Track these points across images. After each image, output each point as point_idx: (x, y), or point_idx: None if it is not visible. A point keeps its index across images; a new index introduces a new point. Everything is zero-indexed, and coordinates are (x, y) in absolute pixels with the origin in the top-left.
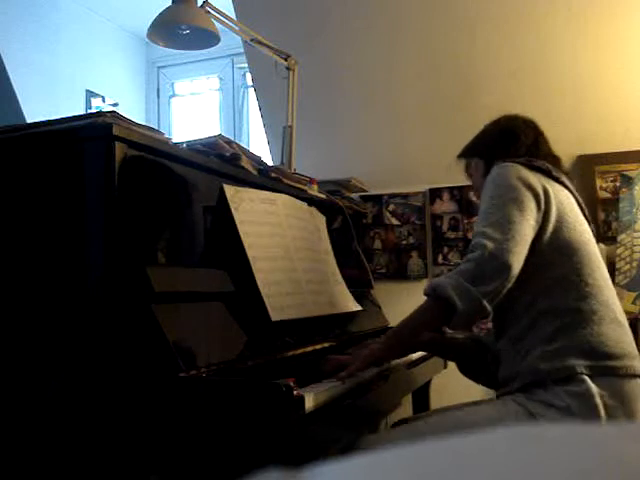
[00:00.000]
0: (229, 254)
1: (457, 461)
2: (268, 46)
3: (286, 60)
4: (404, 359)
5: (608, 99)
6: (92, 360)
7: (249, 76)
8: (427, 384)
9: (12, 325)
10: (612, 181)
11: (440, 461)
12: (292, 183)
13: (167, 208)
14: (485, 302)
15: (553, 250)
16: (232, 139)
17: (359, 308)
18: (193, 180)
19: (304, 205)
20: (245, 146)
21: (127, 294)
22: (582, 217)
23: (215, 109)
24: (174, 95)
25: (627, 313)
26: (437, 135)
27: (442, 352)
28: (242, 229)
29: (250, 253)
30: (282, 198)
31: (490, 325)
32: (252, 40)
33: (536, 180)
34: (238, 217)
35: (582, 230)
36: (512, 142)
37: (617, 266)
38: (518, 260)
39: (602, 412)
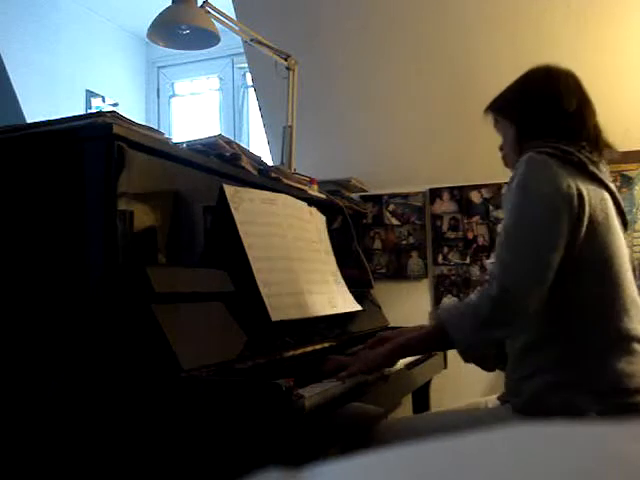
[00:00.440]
0: (229, 254)
1: (457, 461)
2: (268, 46)
3: (286, 60)
4: (404, 359)
5: (608, 99)
6: (92, 360)
7: (249, 76)
8: (427, 384)
9: (12, 325)
10: (612, 181)
11: (440, 461)
12: (292, 183)
13: (167, 208)
14: (490, 344)
15: (576, 267)
16: (232, 139)
17: (359, 308)
18: (193, 180)
19: (304, 205)
20: (245, 146)
21: (127, 294)
22: (616, 222)
23: (215, 109)
24: (174, 95)
25: None
26: (437, 135)
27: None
28: (242, 229)
29: (250, 253)
30: (282, 198)
31: None
32: (252, 40)
33: (571, 183)
34: (238, 217)
35: (611, 242)
36: (551, 113)
37: None
38: (539, 298)
39: None
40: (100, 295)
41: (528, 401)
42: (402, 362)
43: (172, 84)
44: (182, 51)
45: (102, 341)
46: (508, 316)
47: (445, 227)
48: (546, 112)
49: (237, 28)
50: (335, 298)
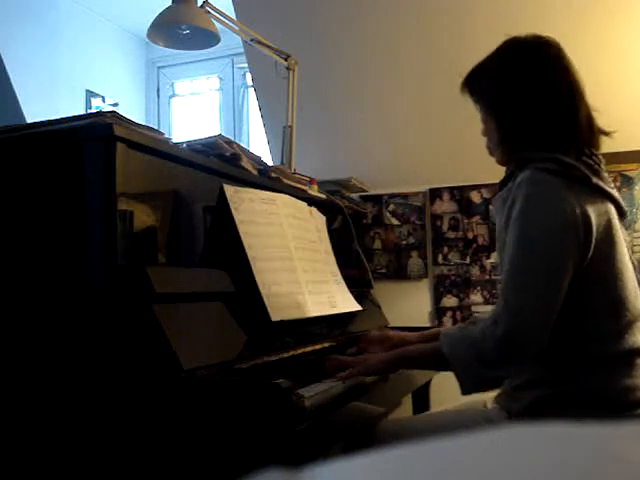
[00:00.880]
0: (229, 254)
1: (457, 461)
2: (268, 46)
3: (286, 60)
4: None
5: (608, 99)
6: (93, 360)
7: (249, 76)
8: (427, 384)
9: (12, 325)
10: (612, 181)
11: (440, 461)
12: (292, 183)
13: (167, 208)
14: (492, 380)
15: (580, 287)
16: (232, 139)
17: (359, 308)
18: (193, 180)
19: (304, 205)
20: (245, 146)
21: (127, 294)
22: (620, 234)
23: (215, 109)
24: (174, 95)
25: None
26: (437, 135)
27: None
28: (242, 229)
29: (250, 253)
30: (282, 198)
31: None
32: (252, 40)
33: (576, 207)
34: (238, 217)
35: (615, 260)
36: (539, 109)
37: None
38: (544, 337)
39: None
40: (100, 295)
41: (523, 411)
42: None
43: (172, 84)
44: (182, 51)
45: (103, 341)
46: (512, 358)
47: (445, 227)
48: (533, 107)
49: (237, 28)
50: (335, 298)
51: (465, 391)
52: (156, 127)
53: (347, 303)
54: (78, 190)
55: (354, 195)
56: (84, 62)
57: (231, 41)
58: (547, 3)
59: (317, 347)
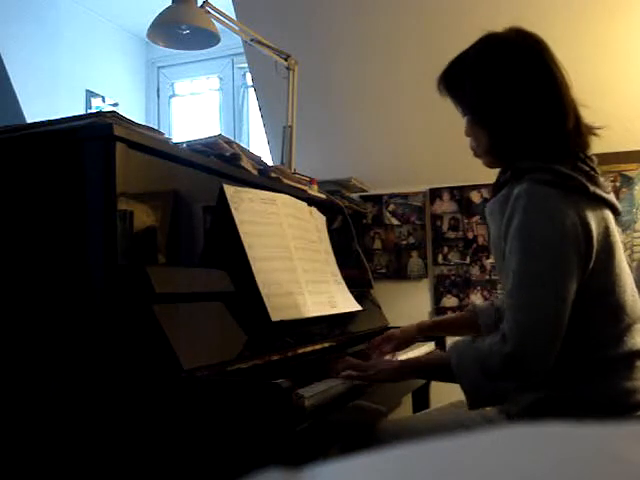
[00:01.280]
0: (229, 254)
1: (457, 461)
2: (268, 46)
3: (286, 60)
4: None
5: (608, 99)
6: (93, 360)
7: (249, 76)
8: (427, 384)
9: (13, 325)
10: (612, 181)
11: (440, 461)
12: (292, 183)
13: (167, 208)
14: (499, 395)
15: (581, 296)
16: (232, 139)
17: (359, 308)
18: (193, 180)
19: (304, 205)
20: (245, 146)
21: (127, 294)
22: (617, 238)
23: (215, 109)
24: (174, 95)
25: None
26: (437, 135)
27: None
28: (242, 229)
29: (250, 253)
30: (282, 198)
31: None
32: (252, 40)
33: (576, 219)
34: (238, 217)
35: (614, 266)
36: (527, 111)
37: None
38: (552, 356)
39: None
40: (100, 295)
41: (523, 413)
42: None
43: (172, 84)
44: (182, 51)
45: (103, 341)
46: (518, 375)
47: (445, 227)
48: (521, 113)
49: (237, 28)
50: (335, 298)
51: (472, 405)
52: (156, 127)
53: (347, 303)
54: (78, 190)
55: (354, 195)
56: (84, 62)
57: (231, 41)
58: (547, 3)
59: (317, 347)
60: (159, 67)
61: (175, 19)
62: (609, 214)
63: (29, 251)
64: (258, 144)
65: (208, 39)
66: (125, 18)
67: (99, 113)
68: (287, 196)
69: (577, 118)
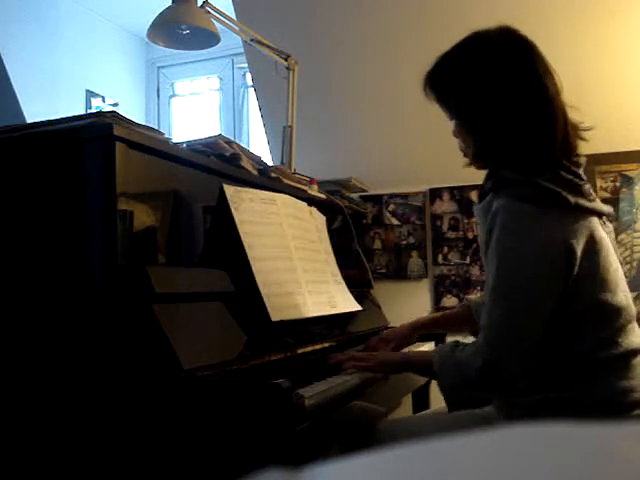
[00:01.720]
0: (229, 254)
1: (457, 461)
2: (268, 46)
3: (286, 60)
4: None
5: (608, 99)
6: (93, 360)
7: (249, 76)
8: (427, 384)
9: (12, 325)
10: (612, 181)
11: (440, 461)
12: (292, 183)
13: (167, 208)
14: (477, 400)
15: (570, 299)
16: (232, 139)
17: (359, 308)
18: (193, 180)
19: (304, 205)
20: (245, 146)
21: (127, 294)
22: (607, 242)
23: (215, 109)
24: (174, 95)
25: None
26: (437, 135)
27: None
28: (242, 229)
29: (250, 253)
30: (282, 198)
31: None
32: (252, 40)
33: (556, 235)
34: (238, 217)
35: (603, 269)
36: (515, 117)
37: None
38: (522, 367)
39: None
40: (100, 295)
41: (522, 414)
42: None
43: (172, 84)
44: (182, 51)
45: (103, 341)
46: (492, 386)
47: (445, 227)
48: (508, 120)
49: (237, 28)
50: (335, 298)
51: (451, 408)
52: (156, 127)
53: (347, 303)
54: (78, 190)
55: (354, 195)
56: (84, 62)
57: (231, 41)
58: (547, 3)
59: (317, 347)
60: (159, 67)
61: (175, 19)
62: (594, 220)
63: (29, 251)
64: (258, 144)
65: (208, 39)
66: (125, 18)
67: (99, 113)
68: (287, 196)
69: (566, 125)
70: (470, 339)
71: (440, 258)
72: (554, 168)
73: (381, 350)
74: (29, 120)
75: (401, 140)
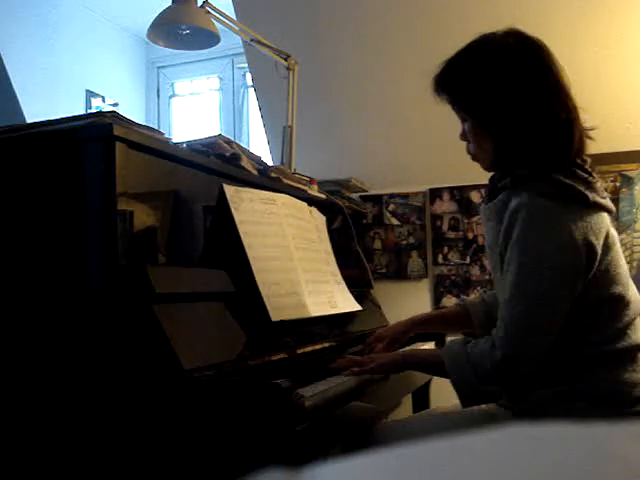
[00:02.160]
0: (229, 254)
1: (457, 461)
2: (268, 46)
3: (286, 60)
4: None
5: (608, 99)
6: (93, 361)
7: (249, 76)
8: (427, 384)
9: (12, 325)
10: (612, 181)
11: (440, 461)
12: (292, 183)
13: (167, 208)
14: (490, 394)
15: (581, 296)
16: (232, 139)
17: (359, 308)
18: (193, 180)
19: (304, 205)
20: (245, 146)
21: (128, 295)
22: (616, 239)
23: (215, 109)
24: (174, 95)
25: None
26: (437, 135)
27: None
28: (242, 229)
29: (250, 253)
30: (282, 198)
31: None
32: (252, 40)
33: (576, 232)
34: (238, 217)
35: (614, 267)
36: (532, 113)
37: None
38: (538, 361)
39: None
40: (100, 296)
41: (529, 409)
42: None
43: (172, 84)
44: (182, 51)
45: (103, 341)
46: (508, 379)
47: (445, 227)
48: (527, 120)
49: (237, 28)
50: (335, 298)
51: (464, 404)
52: (156, 127)
53: (347, 303)
54: (78, 190)
55: (354, 195)
56: (84, 62)
57: (231, 41)
58: (548, 3)
59: (317, 347)
60: (159, 67)
61: (175, 19)
62: (606, 217)
63: (29, 251)
64: (258, 144)
65: (208, 39)
66: (125, 18)
67: (99, 113)
68: (287, 196)
69: (579, 124)
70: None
71: (440, 258)
72: (570, 166)
73: (377, 348)
74: (29, 120)
75: (401, 140)
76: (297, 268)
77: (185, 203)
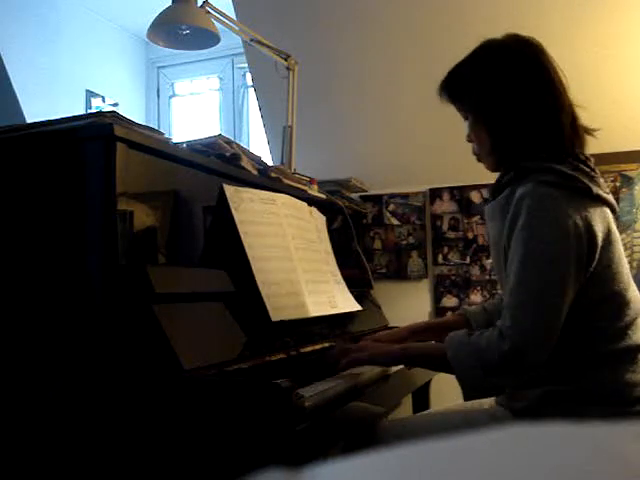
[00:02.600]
0: (229, 254)
1: (457, 461)
2: (268, 46)
3: (286, 60)
4: None
5: (608, 99)
6: (93, 360)
7: (249, 76)
8: (427, 384)
9: (12, 325)
10: (612, 181)
11: (440, 461)
12: (292, 183)
13: (167, 208)
14: (493, 387)
15: (583, 291)
16: (232, 139)
17: (359, 308)
18: (193, 180)
19: (304, 205)
20: (245, 146)
21: (128, 295)
22: (617, 236)
23: (215, 109)
24: (174, 95)
25: None
26: (437, 135)
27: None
28: (242, 229)
29: (250, 253)
30: (282, 198)
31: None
32: (252, 40)
33: (579, 220)
34: (238, 217)
35: (616, 263)
36: (528, 111)
37: None
38: (547, 351)
39: None
40: (100, 296)
41: (528, 408)
42: None
43: (172, 84)
44: (182, 51)
45: (103, 341)
46: (515, 370)
47: (445, 227)
48: (522, 113)
49: (237, 28)
50: (335, 298)
51: (467, 396)
52: (156, 127)
53: (347, 303)
54: (78, 190)
55: (354, 195)
56: (84, 62)
57: (231, 41)
58: (547, 3)
59: (317, 347)
60: (159, 67)
61: (175, 19)
62: (609, 213)
63: (29, 251)
64: (258, 144)
65: (208, 39)
66: (125, 18)
67: (99, 113)
68: (287, 196)
69: (574, 118)
70: None
71: (440, 258)
72: (573, 160)
73: None
74: (29, 120)
75: (401, 140)
76: (297, 268)
77: (185, 203)
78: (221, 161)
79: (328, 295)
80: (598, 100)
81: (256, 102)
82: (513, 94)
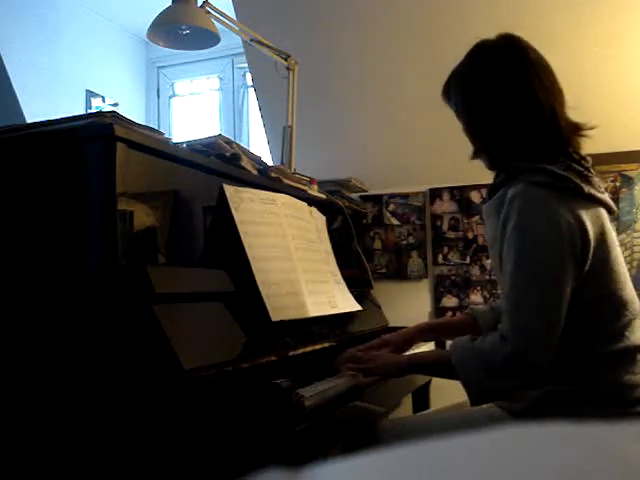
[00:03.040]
0: (229, 254)
1: (457, 461)
2: (268, 46)
3: (286, 60)
4: None
5: (608, 99)
6: (93, 360)
7: (249, 76)
8: (427, 384)
9: (12, 325)
10: (612, 181)
11: (440, 461)
12: (292, 183)
13: (167, 208)
14: (499, 392)
15: (580, 292)
16: (232, 139)
17: (359, 308)
18: (193, 180)
19: (304, 205)
20: (245, 146)
21: (128, 295)
22: (613, 235)
23: (215, 109)
24: (174, 95)
25: None
26: (437, 135)
27: (442, 337)
28: (242, 229)
29: (250, 253)
30: (282, 198)
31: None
32: (252, 40)
33: (571, 219)
34: (238, 217)
35: (612, 262)
36: (517, 112)
37: None
38: (551, 352)
39: None
40: (100, 296)
41: (528, 409)
42: None
43: (172, 84)
44: (182, 51)
45: (103, 341)
46: (519, 373)
47: (445, 227)
48: (511, 114)
49: (237, 28)
50: (335, 298)
51: (473, 402)
52: (156, 127)
53: (347, 303)
54: (78, 190)
55: (354, 195)
56: (84, 62)
57: (231, 41)
58: (547, 3)
59: (317, 347)
60: (159, 67)
61: (175, 19)
62: (604, 212)
63: (29, 251)
64: (258, 144)
65: (208, 39)
66: (125, 18)
67: (99, 113)
68: (287, 196)
69: (566, 118)
70: None
71: (440, 258)
72: (565, 160)
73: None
74: (29, 120)
75: (401, 140)
76: (297, 268)
77: (185, 203)
78: (221, 161)
79: (328, 295)
80: (598, 100)
81: (256, 102)
82: (499, 95)
